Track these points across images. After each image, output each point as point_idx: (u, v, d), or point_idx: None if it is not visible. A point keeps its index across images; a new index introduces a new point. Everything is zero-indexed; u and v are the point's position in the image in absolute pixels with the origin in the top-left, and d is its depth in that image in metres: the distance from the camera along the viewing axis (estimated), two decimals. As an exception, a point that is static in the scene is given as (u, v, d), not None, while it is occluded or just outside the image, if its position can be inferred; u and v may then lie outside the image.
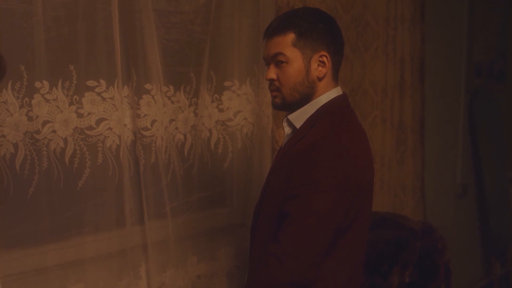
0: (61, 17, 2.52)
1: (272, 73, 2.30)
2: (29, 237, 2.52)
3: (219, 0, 3.01)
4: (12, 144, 2.39)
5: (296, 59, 2.27)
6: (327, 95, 2.33)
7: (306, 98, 2.31)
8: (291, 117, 2.34)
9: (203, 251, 3.09)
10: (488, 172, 5.20)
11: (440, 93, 4.68)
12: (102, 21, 2.62)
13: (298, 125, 2.32)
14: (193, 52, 2.96)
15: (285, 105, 2.33)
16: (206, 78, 3.00)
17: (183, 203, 2.96)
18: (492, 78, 5.35)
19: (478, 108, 5.10)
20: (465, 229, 5.12)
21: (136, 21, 2.72)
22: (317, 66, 2.29)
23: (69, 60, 2.55)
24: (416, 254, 3.38)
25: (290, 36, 2.25)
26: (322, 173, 2.13)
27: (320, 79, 2.31)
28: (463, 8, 4.91)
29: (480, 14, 5.04)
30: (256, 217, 2.41)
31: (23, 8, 2.41)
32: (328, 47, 2.30)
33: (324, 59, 2.29)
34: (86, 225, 2.67)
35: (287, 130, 2.37)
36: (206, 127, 3.06)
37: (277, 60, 2.28)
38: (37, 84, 2.45)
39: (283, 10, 3.06)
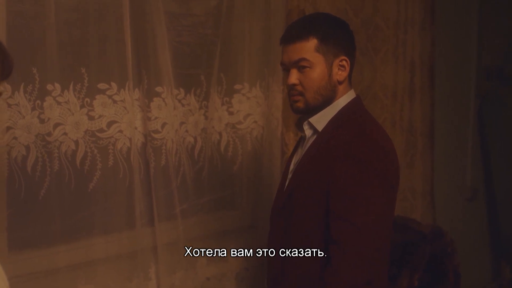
0: (73, 19, 2.54)
1: (294, 78, 2.33)
2: (40, 238, 2.55)
3: (230, 3, 3.02)
4: (24, 146, 2.41)
5: (319, 64, 2.31)
6: (345, 97, 2.39)
7: (327, 101, 2.36)
8: (312, 120, 2.38)
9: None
10: (498, 175, 5.18)
11: (450, 97, 4.67)
12: (113, 24, 2.63)
13: (320, 127, 2.36)
14: (203, 55, 2.98)
15: (308, 109, 2.36)
16: (216, 81, 3.02)
17: (193, 205, 2.97)
18: (502, 82, 5.32)
19: (488, 111, 5.08)
20: (475, 233, 5.11)
21: (147, 24, 2.73)
22: (338, 70, 2.35)
23: (80, 63, 2.57)
24: (425, 257, 3.37)
25: (313, 42, 2.30)
26: (368, 172, 2.20)
27: (340, 82, 2.37)
28: (473, 12, 4.90)
29: (490, 17, 5.02)
30: (281, 220, 2.42)
31: (35, 11, 2.43)
32: (346, 51, 2.37)
33: (344, 63, 2.36)
34: (97, 226, 2.69)
35: (308, 133, 2.40)
36: (216, 130, 3.06)
37: (299, 65, 2.32)
38: (49, 87, 2.46)
39: (293, 14, 3.07)
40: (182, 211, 2.89)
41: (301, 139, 2.52)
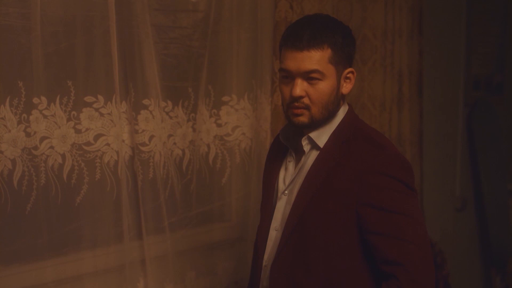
0: (59, 32, 2.52)
1: (301, 90, 2.12)
2: (27, 253, 2.52)
3: (217, 14, 3.01)
4: (10, 160, 2.39)
5: (331, 76, 2.14)
6: (343, 108, 2.25)
7: (331, 116, 2.21)
8: (313, 135, 2.20)
9: (202, 266, 3.09)
10: (487, 185, 5.20)
11: (439, 106, 4.69)
12: (100, 36, 2.62)
13: (321, 142, 2.20)
14: (191, 67, 2.96)
15: (312, 124, 2.18)
16: (204, 93, 3.00)
17: (181, 218, 2.95)
18: (490, 91, 5.35)
19: (477, 120, 5.10)
20: (465, 242, 5.12)
21: (134, 36, 2.72)
22: (343, 82, 2.20)
23: (67, 76, 2.55)
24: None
25: (328, 52, 2.11)
26: (402, 187, 2.12)
27: (344, 96, 2.23)
28: (461, 21, 4.92)
29: (478, 26, 5.05)
30: (287, 250, 2.23)
31: (21, 24, 2.41)
32: (352, 62, 2.23)
33: (351, 75, 2.22)
34: (84, 240, 2.67)
35: (307, 148, 2.22)
36: (204, 142, 3.05)
37: (309, 77, 2.12)
38: (35, 100, 2.45)
39: (280, 25, 3.06)
40: (171, 224, 2.87)
41: (280, 150, 2.38)
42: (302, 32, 2.12)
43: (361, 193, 2.10)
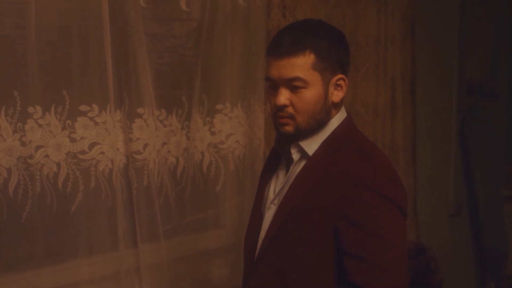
0: (54, 41, 2.54)
1: (285, 99, 2.02)
2: (23, 261, 2.53)
3: (210, 23, 3.03)
4: (6, 169, 2.41)
5: (316, 84, 2.02)
6: (338, 117, 2.13)
7: (321, 125, 2.08)
8: (303, 143, 2.09)
9: (197, 273, 3.10)
10: (481, 190, 5.20)
11: (432, 112, 4.69)
12: (94, 45, 2.64)
13: (310, 151, 2.09)
14: (185, 75, 2.98)
15: (298, 134, 2.07)
16: (198, 102, 3.02)
17: (176, 226, 2.97)
18: (484, 97, 5.36)
19: (470, 126, 5.11)
20: (459, 248, 5.12)
21: (128, 46, 2.74)
22: (334, 90, 2.08)
23: (62, 85, 2.57)
24: (408, 274, 3.39)
25: (310, 58, 2.00)
26: (384, 204, 1.98)
27: (335, 104, 2.10)
28: (454, 27, 4.94)
29: (471, 32, 5.06)
30: (269, 257, 2.12)
31: (16, 33, 2.43)
32: (343, 68, 2.10)
33: (342, 82, 2.09)
34: (80, 248, 2.68)
35: (296, 157, 2.11)
36: (198, 150, 3.07)
37: (292, 85, 2.01)
38: (30, 109, 2.47)
39: (273, 33, 3.05)
40: (165, 231, 2.89)
41: (275, 158, 2.27)
42: (284, 38, 2.03)
43: (342, 207, 1.99)
